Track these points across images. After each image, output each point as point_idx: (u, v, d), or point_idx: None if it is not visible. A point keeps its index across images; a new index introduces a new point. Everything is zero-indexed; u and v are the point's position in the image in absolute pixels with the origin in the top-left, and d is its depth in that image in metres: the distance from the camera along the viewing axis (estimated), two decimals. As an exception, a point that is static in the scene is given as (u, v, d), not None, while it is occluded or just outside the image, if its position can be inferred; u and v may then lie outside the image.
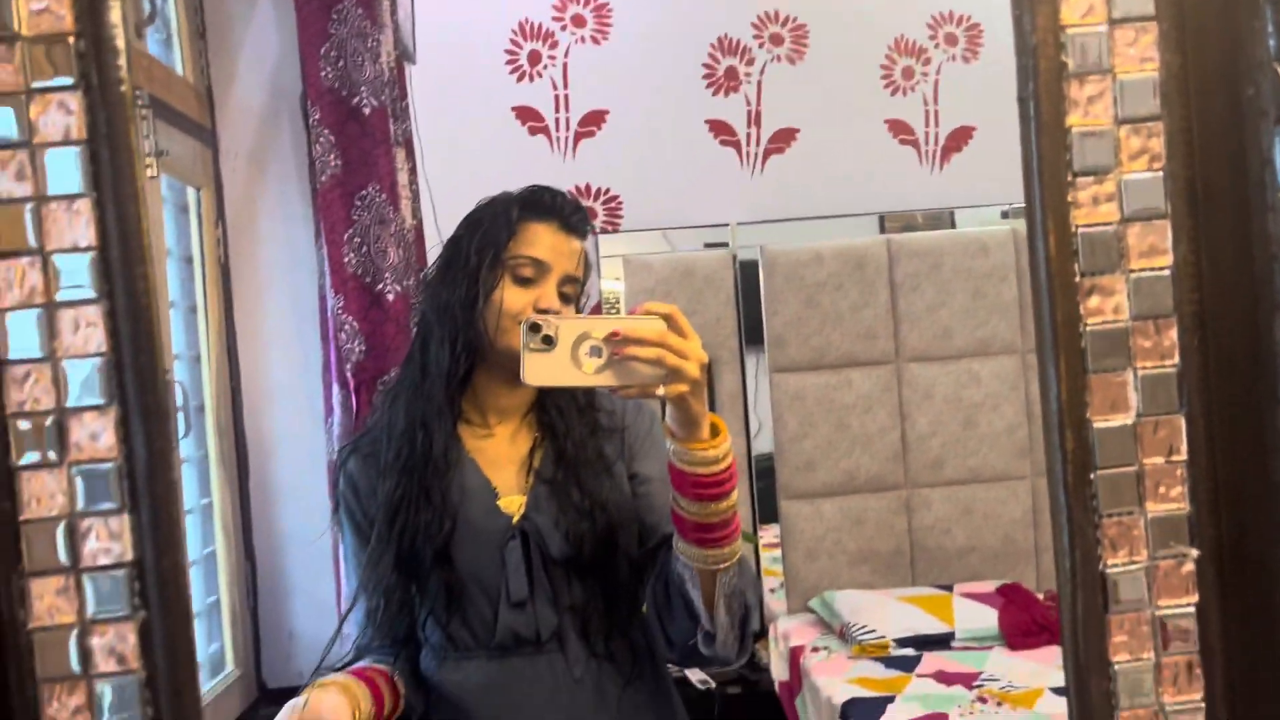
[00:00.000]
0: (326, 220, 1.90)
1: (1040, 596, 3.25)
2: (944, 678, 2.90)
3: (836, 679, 2.92)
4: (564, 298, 1.18)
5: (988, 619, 3.15)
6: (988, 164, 3.53)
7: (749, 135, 3.49)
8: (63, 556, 0.56)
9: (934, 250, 3.51)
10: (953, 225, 3.64)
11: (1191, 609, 0.61)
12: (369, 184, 1.90)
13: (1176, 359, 0.60)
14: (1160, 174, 0.60)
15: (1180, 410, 0.61)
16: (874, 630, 3.14)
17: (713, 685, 3.33)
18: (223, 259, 2.04)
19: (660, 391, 0.98)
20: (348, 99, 1.86)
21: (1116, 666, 0.61)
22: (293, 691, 1.98)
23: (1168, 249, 0.60)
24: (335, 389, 1.98)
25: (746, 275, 3.51)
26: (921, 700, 2.74)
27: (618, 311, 3.51)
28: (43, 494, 0.56)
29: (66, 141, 0.55)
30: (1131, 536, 0.61)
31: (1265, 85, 0.57)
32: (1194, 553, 0.61)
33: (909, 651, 3.08)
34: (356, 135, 1.87)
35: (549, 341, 0.98)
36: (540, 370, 0.99)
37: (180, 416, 1.72)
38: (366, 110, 1.85)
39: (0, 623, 0.56)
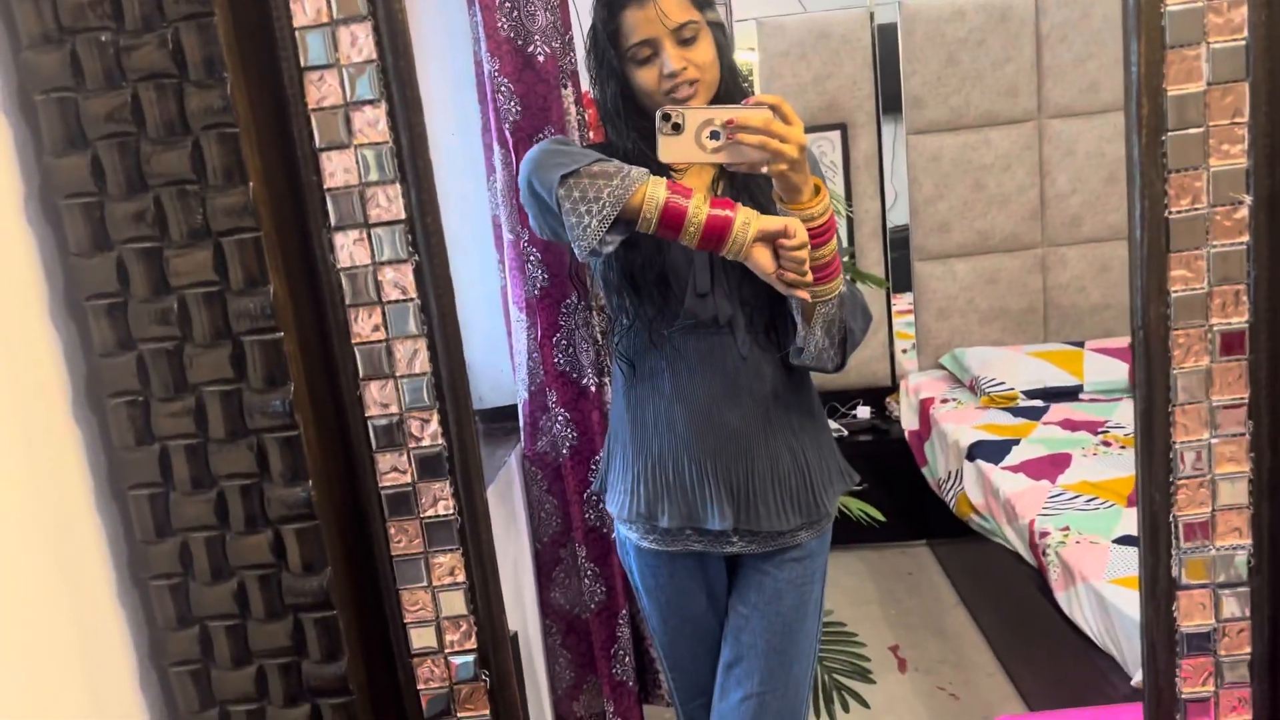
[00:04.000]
0: (480, -12, 2.02)
1: (1174, 349, 3.30)
2: (1069, 425, 3.04)
3: (965, 425, 3.10)
4: (685, 43, 1.33)
5: (1118, 372, 3.24)
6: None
7: (889, -117, 3.35)
8: (358, 215, 0.77)
9: (1087, -1, 3.37)
10: (1111, -30, 3.46)
11: (1242, 247, 0.74)
12: (517, -50, 2.01)
13: (1245, 34, 0.71)
14: None
15: (1246, 79, 0.72)
16: (1003, 382, 3.28)
17: (845, 434, 3.58)
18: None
19: (765, 169, 1.21)
20: None
21: (1173, 294, 0.75)
22: (476, 414, 2.29)
23: (1244, -67, 0.70)
24: (495, 149, 2.16)
25: (884, 37, 3.47)
26: (1046, 443, 2.90)
27: (751, 85, 3.56)
28: (338, 169, 0.76)
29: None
30: (1194, 188, 0.74)
31: None
32: (1247, 199, 0.73)
33: (1037, 403, 3.22)
34: (504, -100, 1.95)
35: (678, 128, 1.20)
36: (671, 149, 1.21)
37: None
38: (512, -127, 1.93)
39: (316, 266, 0.78)
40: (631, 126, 1.38)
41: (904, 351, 3.75)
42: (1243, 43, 0.71)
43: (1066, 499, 2.54)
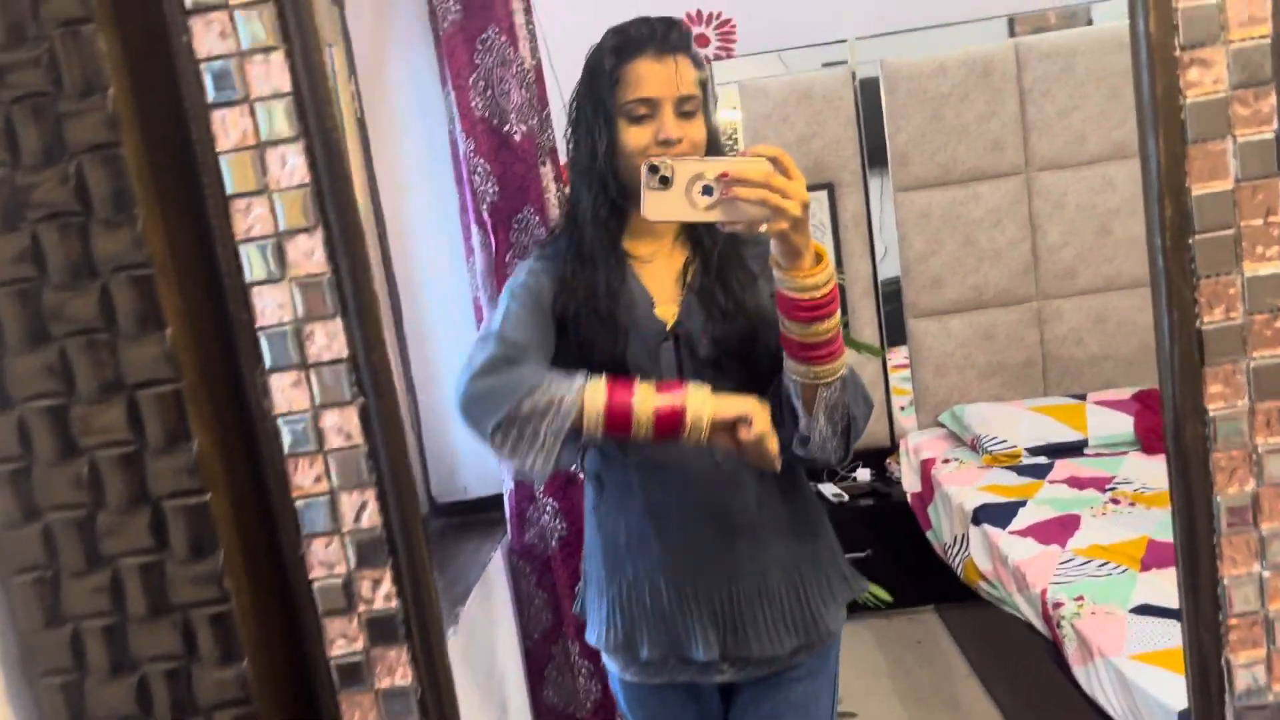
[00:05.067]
0: (452, 66, 1.97)
1: (1178, 401, 3.22)
2: (1076, 482, 2.94)
3: (968, 487, 3.01)
4: (684, 116, 1.23)
5: (1122, 425, 3.16)
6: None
7: (865, -57, 3.34)
8: (294, 355, 0.68)
9: (1067, 50, 3.34)
10: (1089, 23, 3.44)
11: (1285, 359, 0.66)
12: (489, 27, 1.96)
13: (1274, 125, 0.64)
14: (1263, -58, 0.62)
15: (1278, 174, 0.64)
16: (1005, 440, 3.20)
17: (845, 498, 3.48)
18: (359, 112, 2.15)
19: (763, 228, 1.08)
20: (461, -58, 1.90)
21: (1212, 413, 0.67)
22: (460, 505, 2.20)
23: (1267, 17, 0.62)
24: (474, 230, 2.09)
25: (867, 93, 3.43)
26: (1053, 503, 2.81)
27: (735, 144, 3.51)
28: (271, 305, 0.68)
29: (257, 1, 0.64)
30: (1228, 295, 0.66)
31: None
32: (1288, 306, 0.65)
33: (1041, 459, 3.14)
34: (473, -22, 1.91)
35: (666, 181, 1.07)
36: (658, 206, 1.09)
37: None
38: (480, -48, 1.89)
39: (249, 414, 0.70)
40: (611, 190, 1.26)
41: (902, 409, 3.67)
42: (1272, 135, 0.64)
43: (1078, 565, 2.44)
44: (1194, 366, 0.66)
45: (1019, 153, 3.41)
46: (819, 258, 1.12)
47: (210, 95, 0.66)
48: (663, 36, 1.22)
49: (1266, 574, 0.68)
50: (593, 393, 1.13)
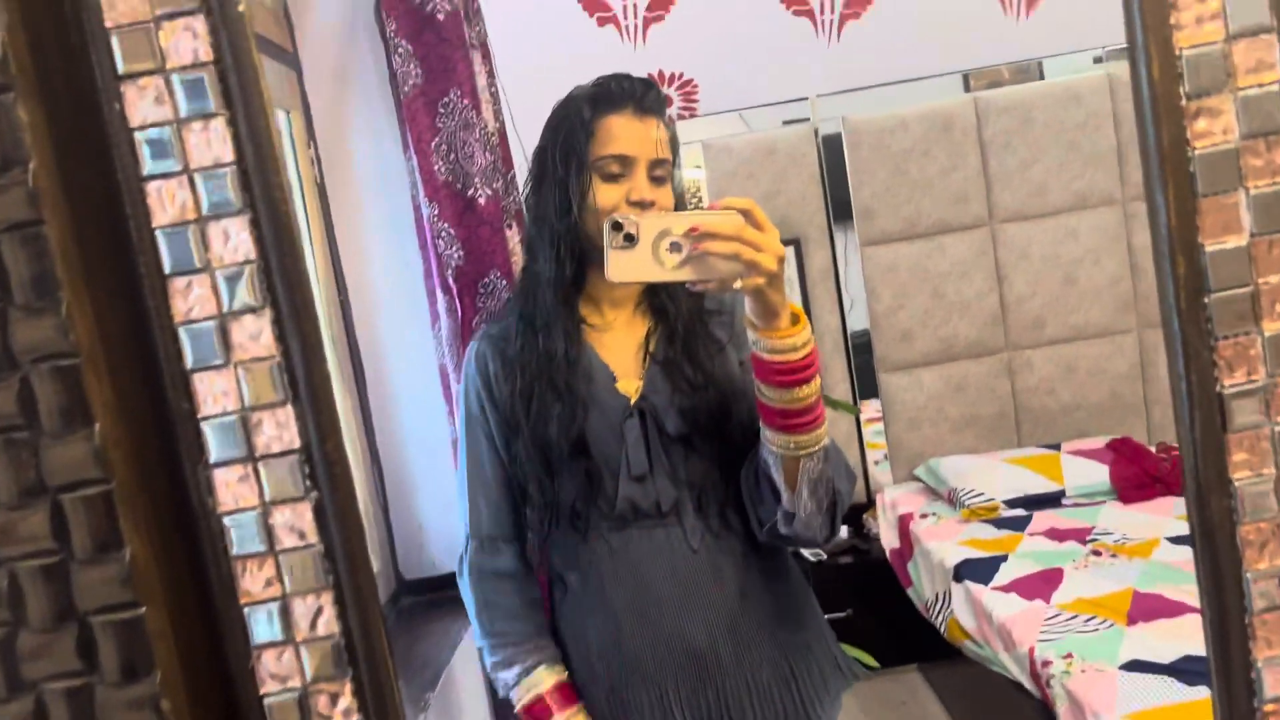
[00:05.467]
0: (413, 130, 1.93)
1: (1152, 449, 3.21)
2: (1056, 534, 2.91)
3: (948, 542, 2.96)
4: (656, 181, 1.19)
5: (1098, 474, 3.14)
6: (1075, 7, 3.35)
7: (823, 2, 3.38)
8: (240, 448, 0.62)
9: (1023, 105, 3.38)
10: (1041, 76, 3.48)
11: (1312, 422, 0.62)
12: (450, 90, 1.93)
13: (1290, 175, 0.60)
14: (1268, -15, 0.59)
15: (1295, 227, 0.60)
16: (982, 493, 3.16)
17: (824, 557, 3.41)
18: (318, 178, 2.10)
19: (737, 285, 1.01)
20: (421, 6, 1.87)
21: (1237, 483, 0.62)
22: (428, 581, 2.12)
23: (1275, 63, 0.59)
24: (439, 295, 2.04)
25: (830, 150, 3.45)
26: (1035, 557, 2.77)
27: (700, 201, 3.50)
28: (215, 393, 0.62)
29: (195, 65, 0.59)
30: (1249, 356, 0.61)
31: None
32: (1313, 367, 0.61)
33: (1019, 512, 3.10)
34: (433, 42, 1.88)
35: (630, 239, 1.01)
36: (623, 267, 1.02)
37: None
38: (440, 16, 1.86)
39: (193, 510, 0.63)
40: (575, 248, 1.20)
41: (876, 464, 3.63)
42: (1287, 186, 0.60)
43: (1065, 620, 2.40)
44: (1216, 433, 0.62)
45: (982, 205, 3.43)
46: (796, 318, 1.06)
47: (146, 166, 0.61)
48: (642, 96, 1.19)
49: (1303, 655, 0.63)
50: (523, 691, 1.22)
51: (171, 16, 0.58)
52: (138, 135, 0.60)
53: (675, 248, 1.00)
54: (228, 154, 0.60)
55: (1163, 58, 0.59)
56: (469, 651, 1.98)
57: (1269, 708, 0.64)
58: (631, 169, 1.18)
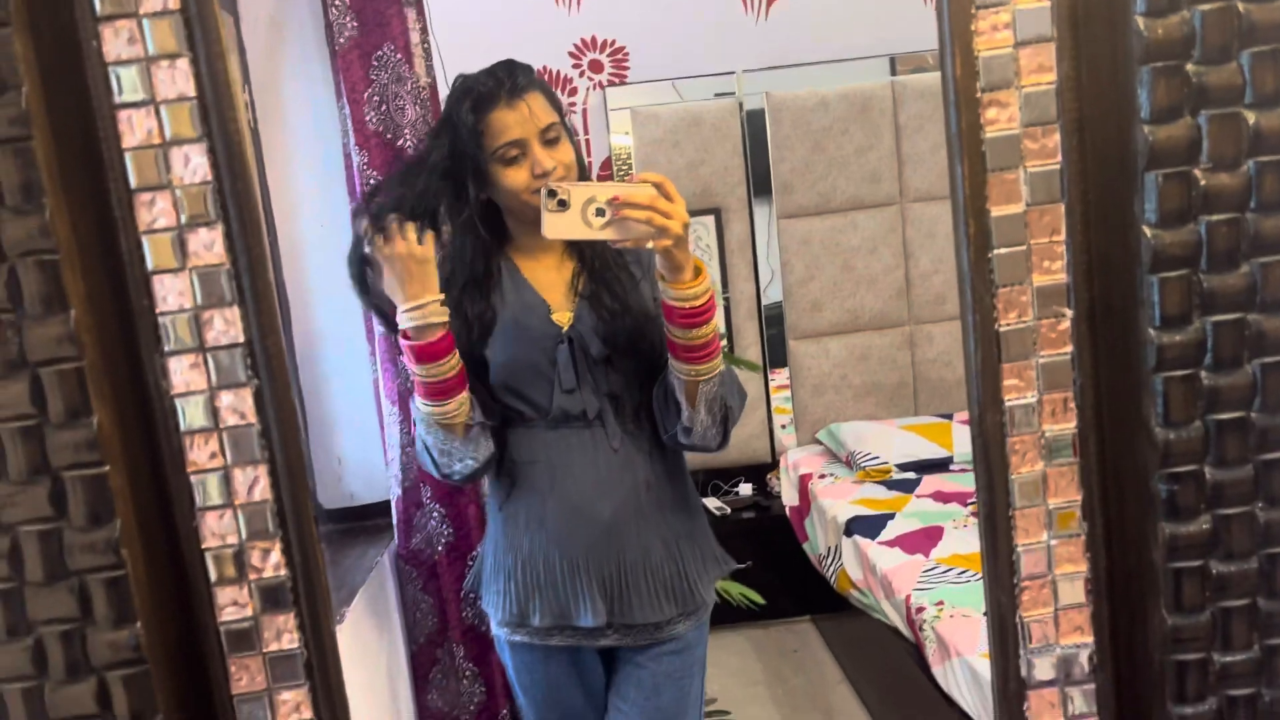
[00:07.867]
0: (347, 81, 2.01)
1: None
2: (941, 497, 3.12)
3: (842, 500, 3.16)
4: (550, 144, 1.38)
5: (984, 442, 3.36)
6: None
7: (751, -20, 3.50)
8: (192, 340, 0.74)
9: (938, 90, 3.53)
10: (959, 65, 3.66)
11: (1067, 357, 0.78)
12: (384, 44, 2.01)
13: (1059, 158, 0.75)
14: (1048, 4, 0.74)
15: (1061, 200, 0.76)
16: (877, 457, 3.36)
17: (727, 511, 3.60)
18: (252, 122, 2.17)
19: (650, 245, 1.23)
20: (360, -39, 1.95)
21: (1008, 403, 0.78)
22: (347, 511, 2.22)
23: (1053, 67, 0.74)
24: (366, 241, 2.12)
25: (753, 124, 3.59)
26: (920, 516, 2.98)
27: (629, 167, 3.63)
28: (172, 292, 0.73)
29: (165, 12, 0.70)
30: (1021, 302, 0.77)
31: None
32: (1069, 313, 0.77)
33: (909, 475, 3.31)
34: (370, -4, 1.96)
35: (563, 205, 1.23)
36: (557, 226, 1.24)
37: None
38: (378, -29, 1.95)
39: (148, 394, 0.74)
40: (488, 229, 1.42)
41: (783, 427, 3.81)
42: (1056, 167, 0.76)
43: (939, 573, 2.60)
44: (994, 363, 0.77)
45: (894, 184, 3.61)
46: (698, 271, 1.28)
47: (117, 96, 0.71)
48: (510, 84, 1.35)
49: (1054, 543, 0.80)
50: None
51: (147, -30, 0.69)
52: (112, 70, 0.71)
53: (600, 213, 1.22)
54: (190, 89, 0.71)
55: (964, 58, 0.74)
56: (385, 576, 2.10)
57: (1025, 584, 0.80)
58: (526, 148, 1.36)
